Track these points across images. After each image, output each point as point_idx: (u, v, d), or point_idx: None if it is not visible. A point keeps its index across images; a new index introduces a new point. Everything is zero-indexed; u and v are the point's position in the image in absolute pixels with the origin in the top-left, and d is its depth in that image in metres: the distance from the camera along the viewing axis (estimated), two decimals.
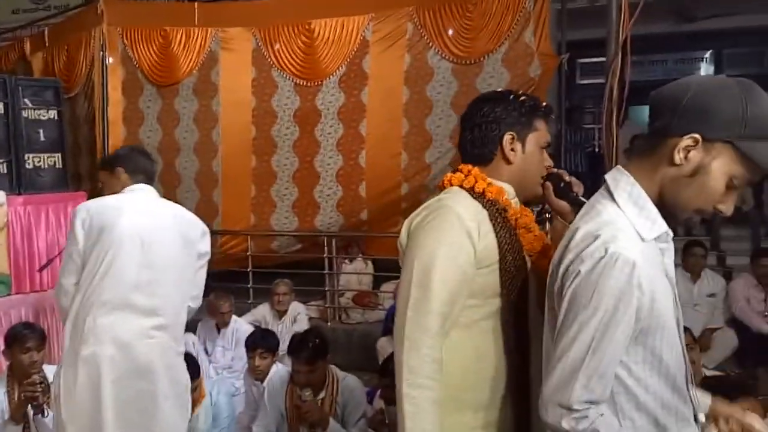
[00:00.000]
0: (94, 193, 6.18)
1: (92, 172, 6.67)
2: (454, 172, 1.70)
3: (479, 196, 1.61)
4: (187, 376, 2.62)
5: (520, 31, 5.41)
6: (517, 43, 5.42)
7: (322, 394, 3.18)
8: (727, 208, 1.21)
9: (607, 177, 1.28)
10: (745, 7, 8.03)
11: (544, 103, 1.72)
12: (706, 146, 1.15)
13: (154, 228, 2.58)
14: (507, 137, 1.63)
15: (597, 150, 9.62)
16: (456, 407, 1.56)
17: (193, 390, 3.17)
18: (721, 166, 1.16)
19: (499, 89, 1.83)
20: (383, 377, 3.32)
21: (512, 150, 1.64)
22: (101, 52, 6.47)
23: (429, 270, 1.51)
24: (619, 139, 7.75)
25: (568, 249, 1.23)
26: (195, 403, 3.28)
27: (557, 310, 1.22)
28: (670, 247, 1.27)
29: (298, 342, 3.25)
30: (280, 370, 3.72)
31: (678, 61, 10.69)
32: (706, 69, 11.03)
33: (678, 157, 1.17)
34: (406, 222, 1.64)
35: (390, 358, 3.56)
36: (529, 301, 1.62)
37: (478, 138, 1.67)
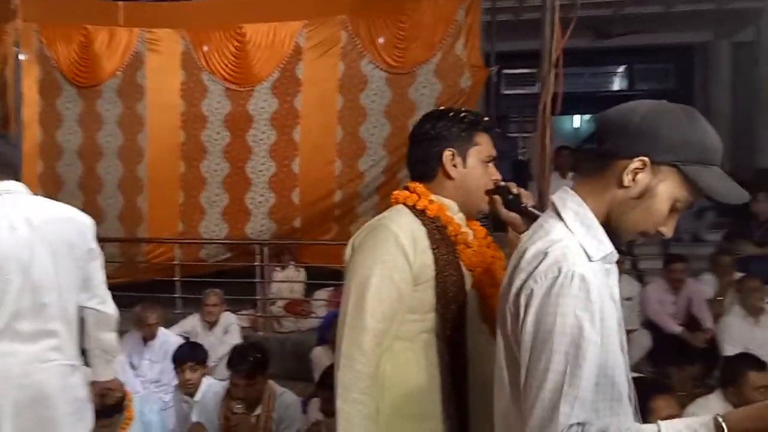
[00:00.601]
0: None
1: None
2: (404, 188, 1.73)
3: (420, 214, 1.65)
4: (86, 389, 2.43)
5: (451, 43, 5.54)
6: (449, 55, 5.56)
7: (258, 410, 3.13)
8: (669, 230, 1.22)
9: (554, 197, 1.28)
10: (655, 25, 8.58)
11: (486, 118, 1.75)
12: (654, 169, 1.17)
13: (31, 243, 2.22)
14: (447, 153, 1.67)
15: (522, 158, 10.00)
16: (400, 417, 1.60)
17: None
18: (667, 190, 1.18)
19: (443, 107, 1.83)
20: (322, 390, 3.30)
21: (453, 166, 1.67)
22: (15, 49, 6.11)
23: (364, 288, 1.56)
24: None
25: (519, 269, 1.21)
26: (124, 425, 3.16)
27: (518, 334, 1.19)
28: (615, 268, 1.27)
29: (238, 355, 3.18)
30: (213, 384, 3.62)
31: (593, 75, 11.24)
32: (619, 83, 11.68)
33: (627, 179, 1.18)
34: (350, 241, 1.69)
35: (328, 371, 3.57)
36: (468, 315, 1.64)
37: (421, 155, 1.71)
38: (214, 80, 5.99)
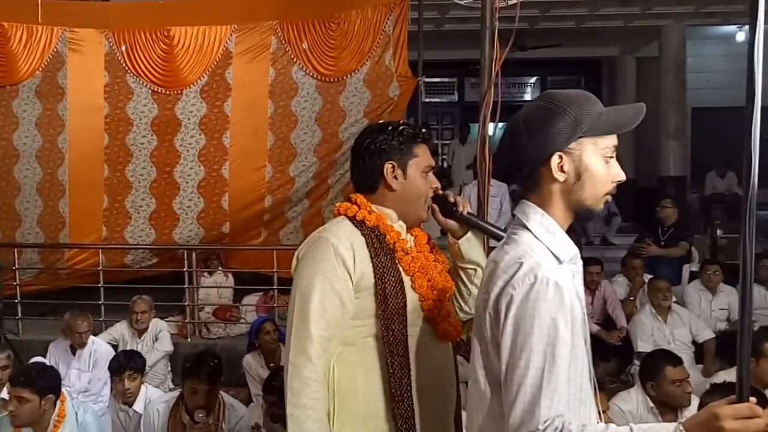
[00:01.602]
0: None
1: None
2: (347, 200, 1.82)
3: (359, 224, 1.73)
4: None
5: (380, 53, 5.70)
6: (378, 65, 5.71)
7: (209, 419, 3.12)
8: (621, 174, 1.36)
9: (517, 211, 1.41)
10: (566, 40, 9.10)
11: (423, 130, 1.83)
12: (568, 152, 1.32)
13: None
14: (388, 166, 1.75)
15: (442, 164, 10.29)
16: (348, 417, 1.68)
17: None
18: (590, 155, 1.33)
19: (382, 121, 1.96)
20: (268, 394, 3.35)
21: (394, 177, 1.76)
22: None
23: (307, 299, 1.65)
24: (463, 156, 8.32)
25: (496, 276, 1.32)
26: (57, 424, 3.05)
27: (497, 337, 1.28)
28: (579, 268, 1.39)
29: (196, 362, 3.15)
30: (158, 396, 3.58)
31: (509, 85, 11.76)
32: (532, 93, 12.28)
33: (559, 175, 1.33)
34: (295, 254, 1.78)
35: (272, 376, 3.62)
36: (408, 318, 1.71)
37: (362, 169, 1.79)
38: (140, 83, 5.87)
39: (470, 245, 1.83)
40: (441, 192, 1.82)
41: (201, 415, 3.02)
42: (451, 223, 1.81)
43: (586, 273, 5.30)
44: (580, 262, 1.41)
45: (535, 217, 1.36)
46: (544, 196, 1.37)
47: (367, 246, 1.70)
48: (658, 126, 9.34)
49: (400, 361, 1.69)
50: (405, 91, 5.72)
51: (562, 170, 1.33)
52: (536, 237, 1.34)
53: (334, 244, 1.67)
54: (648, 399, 3.18)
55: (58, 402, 3.07)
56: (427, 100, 10.52)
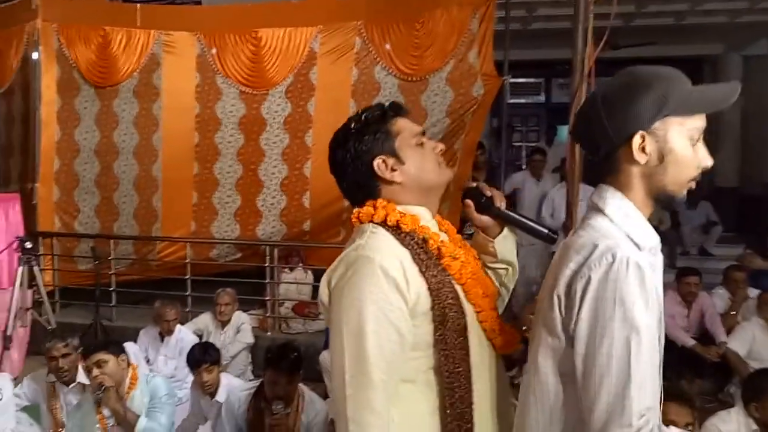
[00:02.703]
0: (24, 194, 5.95)
1: (24, 172, 6.40)
2: (359, 206, 1.51)
3: (394, 230, 1.43)
4: None
5: (464, 51, 5.60)
6: (462, 63, 5.61)
7: (288, 409, 3.14)
8: (708, 160, 1.25)
9: (593, 197, 1.31)
10: (664, 38, 8.63)
11: (384, 104, 1.54)
12: (652, 131, 1.22)
13: None
14: (378, 162, 1.46)
15: (525, 167, 10.05)
16: None
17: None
18: (676, 135, 1.23)
19: (344, 122, 1.55)
20: None
21: (392, 170, 1.46)
22: (35, 49, 6.22)
23: (361, 338, 1.33)
24: (549, 158, 8.13)
25: (567, 258, 1.23)
26: (130, 387, 3.30)
27: (570, 322, 1.19)
28: (659, 262, 1.29)
29: (277, 353, 3.21)
30: (238, 385, 3.67)
31: None
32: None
33: (640, 157, 1.23)
34: (324, 277, 1.43)
35: None
36: (469, 337, 1.43)
37: (353, 182, 1.49)
38: (229, 83, 6.06)
39: (505, 244, 1.60)
40: (474, 184, 1.59)
41: (279, 406, 3.05)
42: (486, 220, 1.57)
43: (683, 284, 5.09)
44: (661, 256, 1.29)
45: (613, 201, 1.27)
46: (622, 179, 1.27)
47: (414, 259, 1.40)
48: (765, 130, 8.71)
49: (466, 393, 1.42)
50: (489, 90, 5.60)
51: (643, 151, 1.23)
52: (614, 222, 1.24)
53: (382, 265, 1.34)
54: (751, 421, 2.93)
55: (130, 369, 3.31)
56: (512, 101, 10.33)
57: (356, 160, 1.46)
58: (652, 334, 1.15)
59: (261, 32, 5.96)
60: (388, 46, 5.73)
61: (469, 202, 1.56)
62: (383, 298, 1.34)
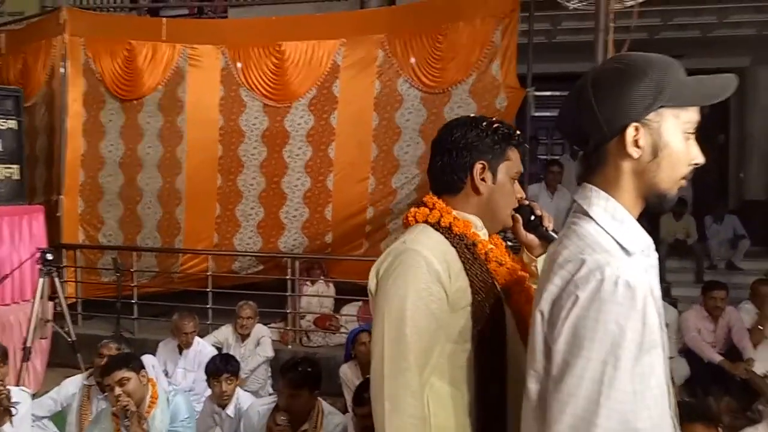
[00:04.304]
0: (49, 206, 6.02)
1: (48, 184, 6.47)
2: (418, 206, 1.60)
3: (446, 231, 1.51)
4: None
5: (487, 63, 5.58)
6: (485, 75, 5.59)
7: (305, 426, 3.09)
8: (700, 157, 1.17)
9: (577, 197, 1.22)
10: (690, 50, 8.51)
11: (518, 132, 1.62)
12: (646, 124, 1.14)
13: None
14: (478, 166, 1.54)
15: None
16: None
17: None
18: (670, 129, 1.14)
19: (472, 114, 1.67)
20: (359, 406, 3.29)
21: (482, 179, 1.54)
22: (62, 62, 6.32)
23: (401, 322, 1.41)
24: (573, 171, 7.96)
25: (552, 273, 1.14)
26: (150, 405, 3.21)
27: (550, 339, 1.12)
28: (655, 263, 1.20)
29: (289, 364, 3.17)
30: (247, 398, 3.64)
31: None
32: None
33: (633, 151, 1.14)
34: (373, 269, 1.53)
35: (362, 388, 3.55)
36: (507, 339, 1.49)
37: (447, 165, 1.56)
38: (252, 96, 6.10)
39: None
40: (527, 202, 1.62)
41: (282, 418, 3.01)
42: (532, 238, 1.62)
43: (709, 298, 4.97)
44: (655, 255, 1.19)
45: (599, 202, 1.17)
46: (611, 176, 1.17)
47: (460, 258, 1.48)
48: None
49: (500, 389, 1.46)
50: (512, 102, 5.56)
51: (637, 145, 1.13)
52: (600, 226, 1.14)
53: (427, 258, 1.44)
54: None
55: (149, 386, 3.23)
56: (536, 114, 10.22)
57: (464, 149, 1.54)
58: (633, 360, 1.05)
59: (284, 45, 6.00)
60: (411, 59, 5.73)
61: (518, 217, 1.61)
62: (425, 288, 1.42)
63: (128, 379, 3.07)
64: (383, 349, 1.42)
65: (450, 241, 1.49)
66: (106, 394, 3.51)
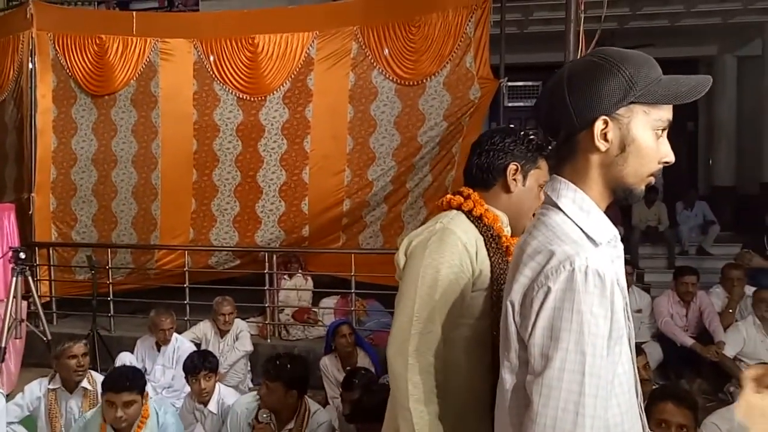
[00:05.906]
0: (21, 204, 5.92)
1: (19, 182, 6.37)
2: (454, 194, 1.75)
3: (476, 220, 1.67)
4: None
5: (461, 55, 5.60)
6: (459, 67, 5.61)
7: (290, 425, 3.10)
8: (669, 155, 1.19)
9: (546, 189, 1.25)
10: (659, 40, 8.64)
11: (549, 140, 1.70)
12: (615, 118, 1.15)
13: None
14: (512, 166, 1.71)
15: None
16: (460, 420, 1.59)
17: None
18: (639, 125, 1.16)
19: (512, 125, 1.89)
20: (348, 391, 3.31)
21: (514, 180, 1.71)
22: (30, 58, 6.21)
23: (433, 289, 1.56)
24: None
25: (522, 264, 1.16)
26: (140, 424, 3.11)
27: (525, 331, 1.13)
28: (620, 253, 1.23)
29: (270, 357, 3.19)
30: (231, 393, 3.65)
31: None
32: None
33: (601, 144, 1.16)
34: (405, 241, 1.68)
35: (353, 374, 3.57)
36: None
37: (484, 163, 1.74)
38: (226, 90, 6.06)
39: None
40: None
41: (264, 415, 3.02)
42: None
43: (681, 283, 5.08)
44: (621, 246, 1.23)
45: (567, 193, 1.19)
46: (580, 167, 1.20)
47: (486, 246, 1.64)
48: (761, 130, 8.73)
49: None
50: (486, 93, 5.59)
51: (605, 138, 1.16)
52: (568, 216, 1.17)
53: (461, 238, 1.60)
54: None
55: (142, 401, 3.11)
56: (510, 104, 10.29)
57: (501, 151, 1.72)
58: (605, 346, 1.09)
59: (258, 38, 5.96)
60: (385, 51, 5.73)
61: None
62: (458, 264, 1.58)
63: (134, 402, 2.98)
64: (413, 310, 1.57)
65: (479, 229, 1.66)
66: (75, 391, 3.48)
